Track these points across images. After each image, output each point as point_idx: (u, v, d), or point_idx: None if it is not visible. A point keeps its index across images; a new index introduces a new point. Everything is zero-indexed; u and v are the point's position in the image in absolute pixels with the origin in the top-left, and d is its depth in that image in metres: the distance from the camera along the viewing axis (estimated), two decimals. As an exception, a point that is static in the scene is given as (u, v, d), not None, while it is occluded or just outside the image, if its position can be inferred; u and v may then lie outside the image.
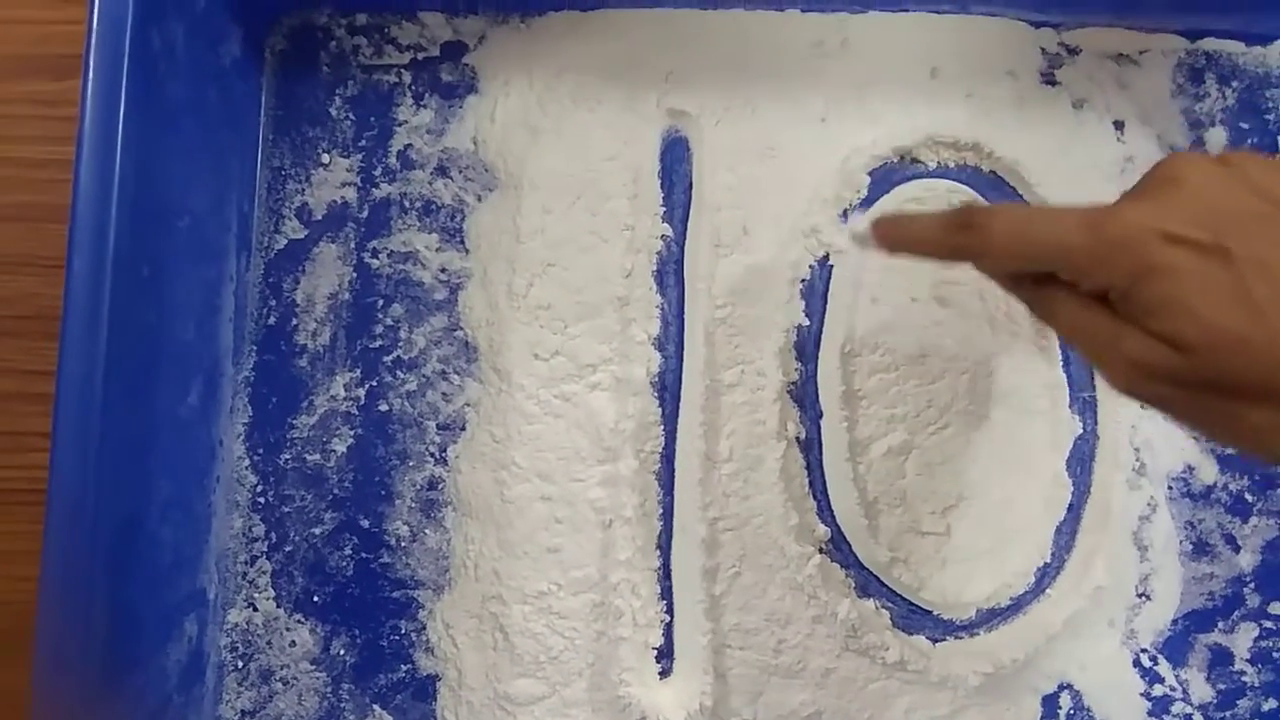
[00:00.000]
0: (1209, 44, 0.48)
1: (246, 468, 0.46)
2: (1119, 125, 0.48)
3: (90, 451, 0.36)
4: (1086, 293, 0.31)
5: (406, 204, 0.47)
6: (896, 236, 0.37)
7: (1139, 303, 0.29)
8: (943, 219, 0.35)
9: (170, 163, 0.40)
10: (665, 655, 0.44)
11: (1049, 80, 0.48)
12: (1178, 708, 0.45)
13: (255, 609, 0.45)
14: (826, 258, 0.47)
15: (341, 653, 0.45)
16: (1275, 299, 0.28)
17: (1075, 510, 0.45)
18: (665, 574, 0.45)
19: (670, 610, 0.44)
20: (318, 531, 0.45)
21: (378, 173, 0.47)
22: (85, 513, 0.37)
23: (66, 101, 0.48)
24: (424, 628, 0.45)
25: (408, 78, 0.48)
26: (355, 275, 0.47)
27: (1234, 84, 0.48)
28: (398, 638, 0.45)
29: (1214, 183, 0.30)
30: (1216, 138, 0.48)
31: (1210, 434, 0.30)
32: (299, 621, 0.45)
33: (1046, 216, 0.32)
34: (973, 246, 0.34)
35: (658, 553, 0.45)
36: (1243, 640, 0.45)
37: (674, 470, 0.45)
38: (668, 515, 0.45)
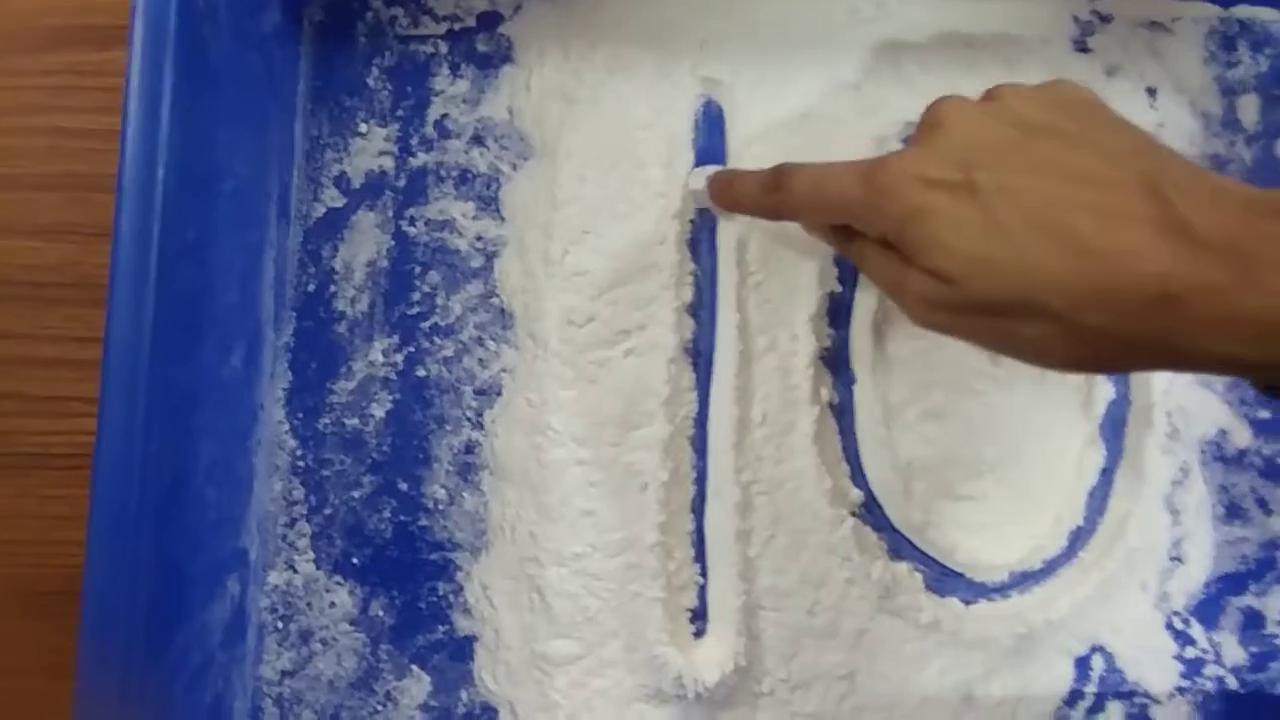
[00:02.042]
0: (1241, 11, 0.48)
1: (286, 432, 0.46)
2: (1151, 92, 0.48)
3: (138, 410, 0.37)
4: (877, 239, 0.34)
5: (443, 173, 0.48)
6: (725, 195, 0.42)
7: (909, 244, 0.32)
8: (759, 179, 0.39)
9: (215, 127, 0.41)
10: (700, 616, 0.45)
11: (1081, 48, 0.48)
12: (1210, 670, 0.45)
13: (295, 571, 0.46)
14: (859, 224, 0.47)
15: (380, 614, 0.45)
16: (1019, 221, 0.30)
17: (1108, 474, 0.45)
18: (699, 537, 0.45)
19: (704, 572, 0.45)
20: (356, 495, 0.46)
21: (414, 142, 0.48)
22: (133, 470, 0.37)
23: (108, 72, 0.49)
24: (461, 589, 0.46)
25: (444, 48, 0.48)
26: (393, 243, 0.47)
27: (1266, 51, 0.48)
28: (436, 599, 0.45)
29: (971, 121, 0.33)
30: (1249, 104, 0.48)
31: (1000, 352, 0.33)
32: (338, 583, 0.46)
33: (834, 172, 0.35)
34: (783, 205, 0.38)
35: (692, 516, 0.45)
36: (1275, 603, 0.45)
37: (707, 435, 0.46)
38: (702, 479, 0.45)
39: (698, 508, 0.45)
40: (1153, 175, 0.29)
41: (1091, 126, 0.32)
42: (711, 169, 0.45)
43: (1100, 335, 0.29)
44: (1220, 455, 0.46)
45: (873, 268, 0.35)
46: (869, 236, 0.34)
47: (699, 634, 0.45)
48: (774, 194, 0.38)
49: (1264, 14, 0.48)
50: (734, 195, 0.42)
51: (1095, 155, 0.30)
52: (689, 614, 0.45)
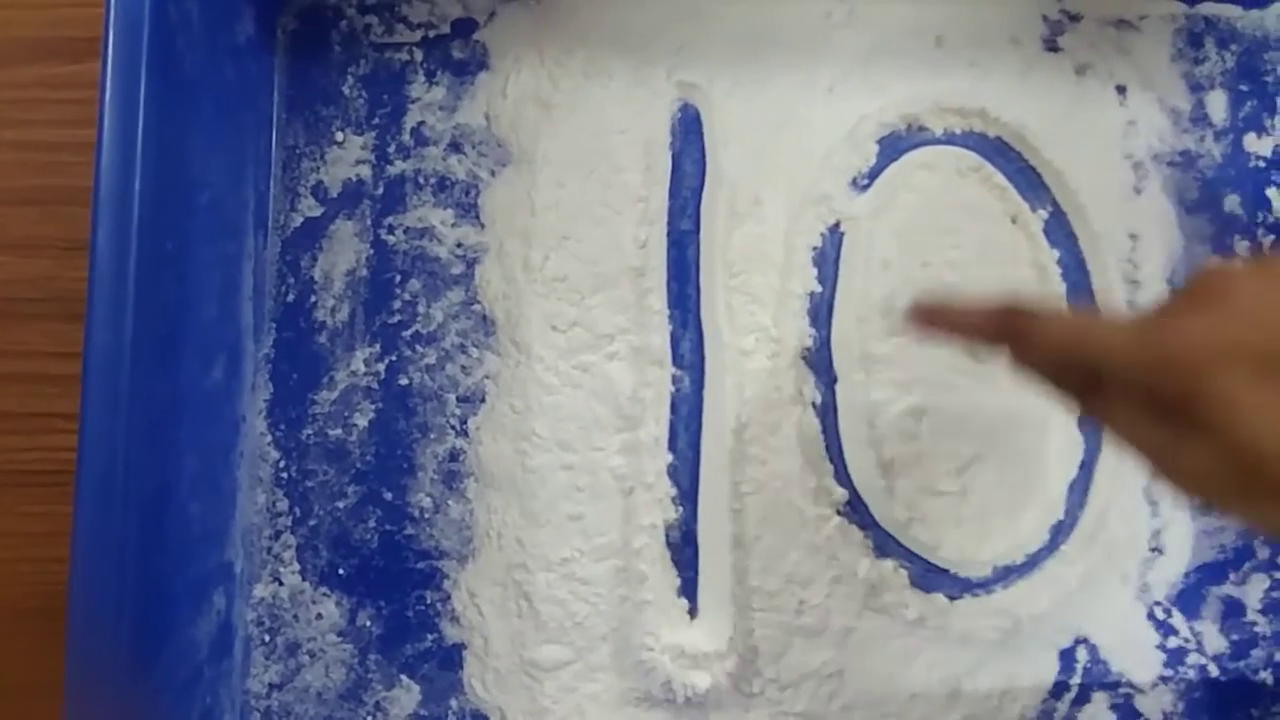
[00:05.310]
0: (1207, 8, 0.49)
1: (269, 444, 0.46)
2: (1121, 90, 0.48)
3: (120, 424, 0.37)
4: (1136, 399, 0.31)
5: (421, 180, 0.47)
6: (940, 317, 0.37)
7: (1199, 418, 0.29)
8: (996, 305, 0.35)
9: (190, 138, 0.40)
10: (691, 615, 0.45)
11: (1051, 47, 0.48)
12: (1192, 658, 0.46)
13: (281, 583, 0.45)
14: (838, 225, 0.47)
15: (367, 624, 0.45)
16: None
17: (1087, 467, 0.46)
18: (686, 538, 0.45)
19: (695, 573, 0.45)
20: (341, 505, 0.46)
21: (392, 150, 0.48)
22: (115, 485, 0.37)
23: (80, 84, 0.48)
24: (449, 597, 0.45)
25: (419, 55, 0.48)
26: (372, 252, 0.47)
27: (1232, 47, 0.49)
28: (423, 608, 0.45)
29: (1262, 295, 0.30)
30: (1217, 100, 0.48)
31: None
32: (324, 594, 0.45)
33: (1103, 327, 0.33)
34: (1027, 340, 0.34)
35: (679, 517, 0.45)
36: (1254, 591, 0.46)
37: (692, 437, 0.46)
38: (687, 481, 0.45)
39: (684, 509, 0.45)
40: None
41: None
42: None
43: None
44: (1197, 446, 0.46)
45: (1132, 433, 0.32)
46: (1120, 396, 0.32)
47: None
48: (1019, 319, 0.34)
49: (1229, 11, 0.49)
50: (952, 318, 0.37)
51: None
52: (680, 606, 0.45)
